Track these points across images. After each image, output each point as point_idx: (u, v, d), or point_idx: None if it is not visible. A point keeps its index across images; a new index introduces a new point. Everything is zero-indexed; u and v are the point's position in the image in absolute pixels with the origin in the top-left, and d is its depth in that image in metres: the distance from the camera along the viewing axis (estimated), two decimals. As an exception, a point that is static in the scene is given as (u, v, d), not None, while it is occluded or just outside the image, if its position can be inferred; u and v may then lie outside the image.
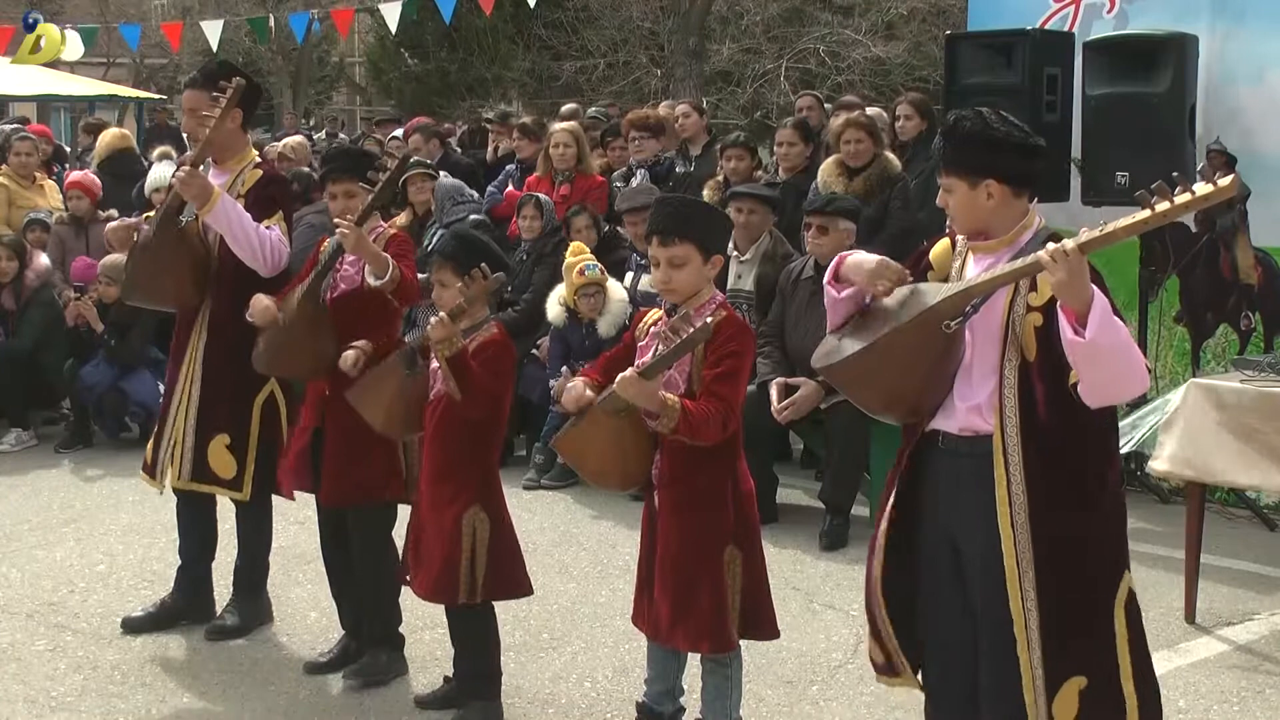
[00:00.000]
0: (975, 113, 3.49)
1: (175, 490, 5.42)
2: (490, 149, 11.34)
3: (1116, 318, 3.27)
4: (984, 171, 3.43)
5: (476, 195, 9.38)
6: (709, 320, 3.81)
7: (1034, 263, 3.28)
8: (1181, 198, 3.14)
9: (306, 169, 10.20)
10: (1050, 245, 3.24)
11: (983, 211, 3.47)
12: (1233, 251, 7.23)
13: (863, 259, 3.57)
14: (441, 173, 9.54)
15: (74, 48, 15.43)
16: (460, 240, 4.62)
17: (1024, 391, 3.41)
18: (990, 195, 3.44)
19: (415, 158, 9.43)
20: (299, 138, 12.97)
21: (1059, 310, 3.27)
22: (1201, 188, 3.13)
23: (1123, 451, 5.94)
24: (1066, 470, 3.43)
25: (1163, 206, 3.15)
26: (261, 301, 4.84)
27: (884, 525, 3.68)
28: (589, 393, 4.01)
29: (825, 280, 3.64)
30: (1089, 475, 3.46)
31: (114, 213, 10.02)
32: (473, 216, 8.63)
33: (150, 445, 5.46)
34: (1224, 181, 3.12)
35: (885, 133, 8.71)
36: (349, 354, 4.70)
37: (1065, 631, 3.44)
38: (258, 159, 5.41)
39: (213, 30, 16.01)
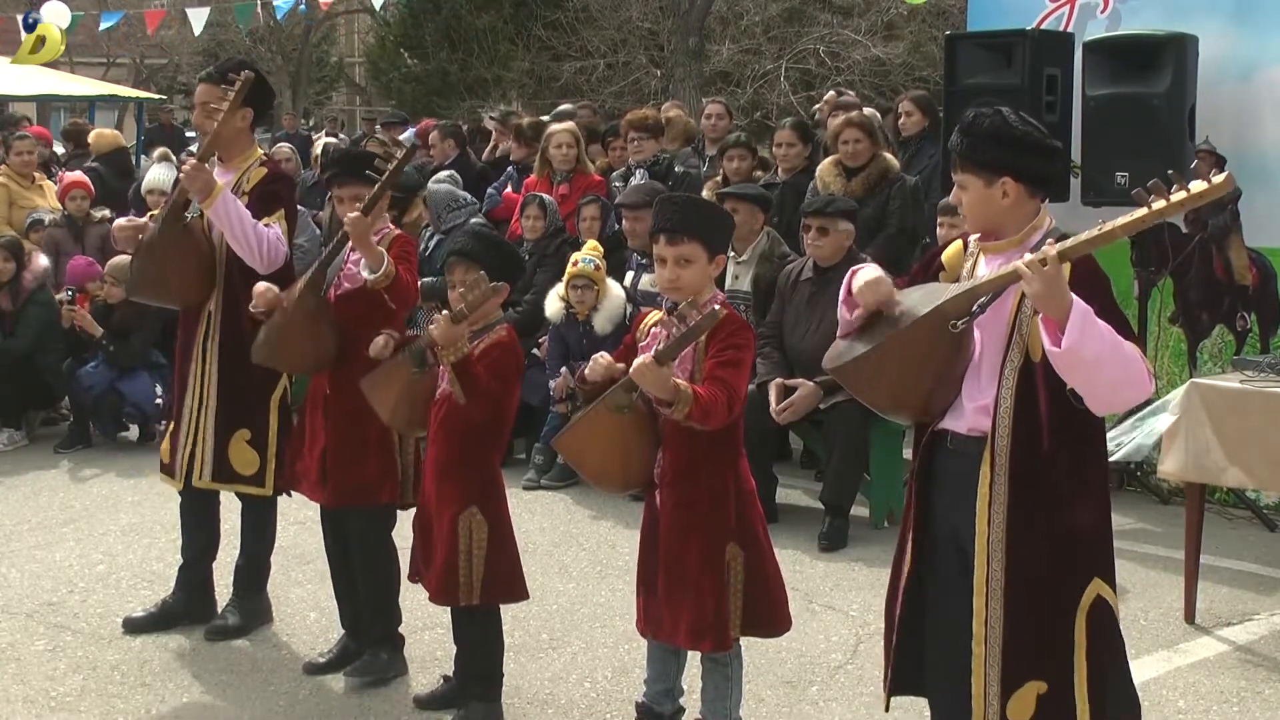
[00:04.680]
0: (995, 110, 3.47)
1: (180, 490, 5.42)
2: (489, 148, 11.33)
3: (1103, 321, 3.24)
4: (1001, 169, 3.42)
5: (471, 198, 9.34)
6: (716, 307, 3.83)
7: (1011, 273, 3.28)
8: (1177, 195, 3.14)
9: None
10: (1027, 255, 3.24)
11: (996, 210, 3.46)
12: (1226, 253, 7.23)
13: (863, 274, 3.56)
14: (431, 184, 9.44)
15: (61, 16, 15.23)
16: (478, 239, 4.60)
17: (1023, 393, 3.40)
18: (1005, 194, 3.44)
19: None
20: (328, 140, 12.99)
21: (1040, 321, 3.26)
22: (1197, 185, 3.12)
23: (1115, 458, 5.98)
24: (1052, 475, 3.42)
25: (1159, 204, 3.15)
26: (262, 285, 4.85)
27: (910, 534, 3.66)
28: (619, 365, 4.02)
29: (840, 299, 3.63)
30: (1073, 481, 3.45)
31: (108, 213, 10.03)
32: (473, 221, 8.64)
33: (167, 445, 5.44)
34: (1219, 179, 3.11)
35: (882, 130, 8.71)
36: (379, 339, 4.63)
37: (1029, 634, 3.44)
38: (263, 156, 5.42)
39: (198, 17, 15.90)
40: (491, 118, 11.97)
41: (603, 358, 4.08)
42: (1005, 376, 3.42)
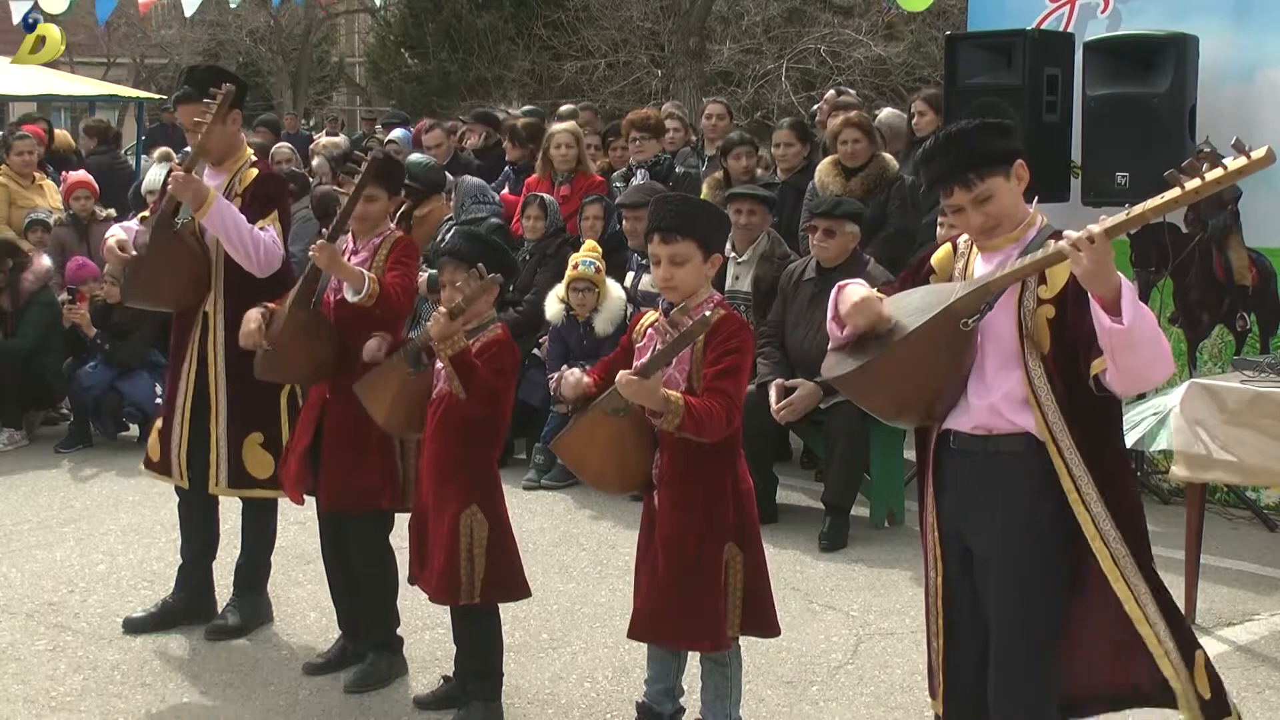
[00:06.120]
0: (955, 127, 3.48)
1: (178, 489, 5.42)
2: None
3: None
4: (1011, 156, 3.43)
5: (499, 200, 9.30)
6: (708, 314, 3.81)
7: (1055, 253, 3.25)
8: (1213, 173, 3.06)
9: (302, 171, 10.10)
10: (1069, 234, 3.22)
11: (1016, 196, 3.46)
12: (1226, 253, 7.23)
13: (849, 295, 3.53)
14: (465, 175, 9.51)
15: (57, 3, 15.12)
16: (469, 239, 4.62)
17: (1051, 385, 3.39)
18: (1019, 177, 3.45)
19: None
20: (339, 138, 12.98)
21: (1090, 298, 3.24)
22: (1234, 161, 3.04)
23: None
24: (1104, 457, 3.42)
25: (1193, 184, 3.08)
26: (249, 325, 4.83)
27: (933, 536, 3.63)
28: (586, 379, 4.06)
29: (829, 318, 3.61)
30: (1118, 462, 3.48)
31: (113, 211, 10.05)
32: (492, 220, 8.62)
33: (156, 442, 5.43)
34: (1258, 153, 3.03)
35: (879, 131, 8.67)
36: (371, 342, 4.66)
37: (1169, 607, 3.46)
38: (253, 157, 5.41)
39: (190, 3, 15.82)
40: (460, 118, 11.99)
41: (572, 375, 4.10)
42: (1032, 370, 3.40)
